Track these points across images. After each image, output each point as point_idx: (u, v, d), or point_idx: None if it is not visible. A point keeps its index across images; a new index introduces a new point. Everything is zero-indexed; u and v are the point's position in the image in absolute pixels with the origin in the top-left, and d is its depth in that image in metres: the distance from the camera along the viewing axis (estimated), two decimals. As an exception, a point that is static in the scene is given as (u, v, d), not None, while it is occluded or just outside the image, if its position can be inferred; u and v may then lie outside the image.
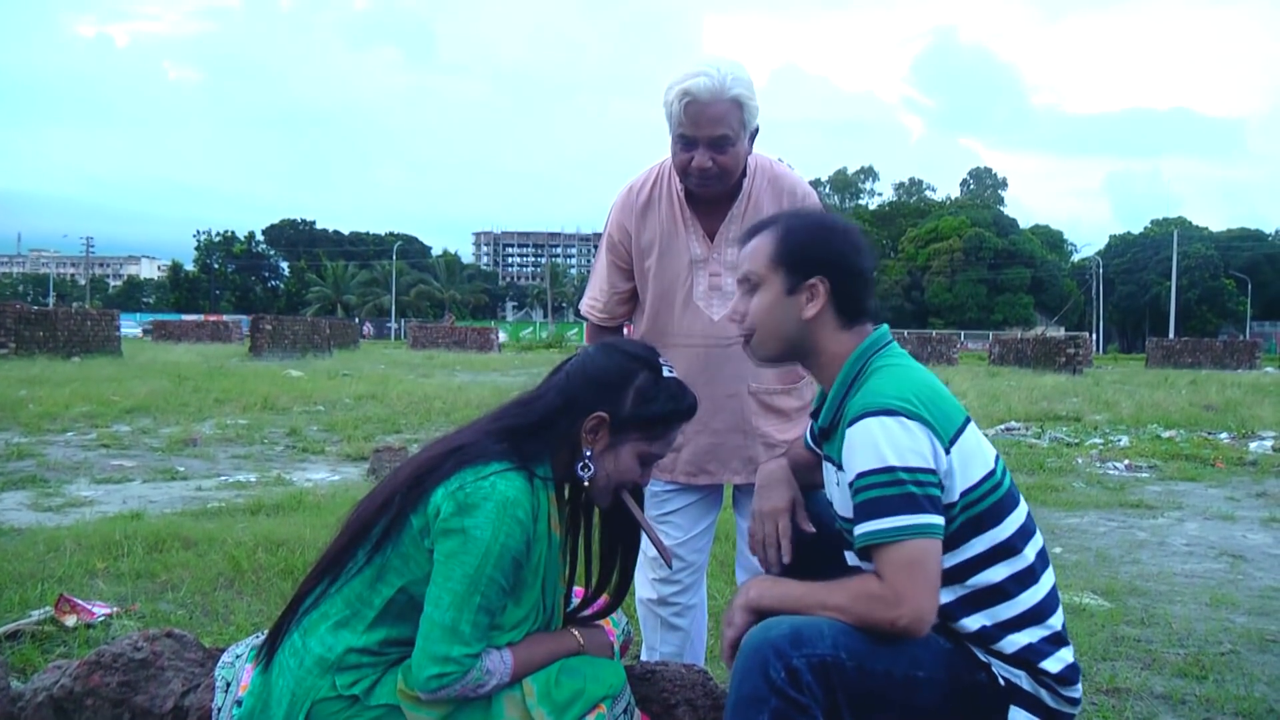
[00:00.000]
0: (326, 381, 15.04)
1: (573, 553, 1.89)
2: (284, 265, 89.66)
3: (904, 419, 1.59)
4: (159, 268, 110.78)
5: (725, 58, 2.20)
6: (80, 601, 3.23)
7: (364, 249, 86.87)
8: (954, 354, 30.04)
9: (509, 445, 1.70)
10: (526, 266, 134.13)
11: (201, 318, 50.13)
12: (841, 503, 1.72)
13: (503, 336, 43.77)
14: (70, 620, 3.10)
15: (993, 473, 1.68)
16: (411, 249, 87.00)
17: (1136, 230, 77.25)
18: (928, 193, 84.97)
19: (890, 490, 1.57)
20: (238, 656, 1.82)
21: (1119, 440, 9.52)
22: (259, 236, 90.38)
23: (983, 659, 1.65)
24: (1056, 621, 1.68)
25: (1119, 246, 73.44)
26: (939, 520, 1.58)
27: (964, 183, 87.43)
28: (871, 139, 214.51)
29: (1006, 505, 1.68)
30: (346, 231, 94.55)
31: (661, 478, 2.42)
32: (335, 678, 1.64)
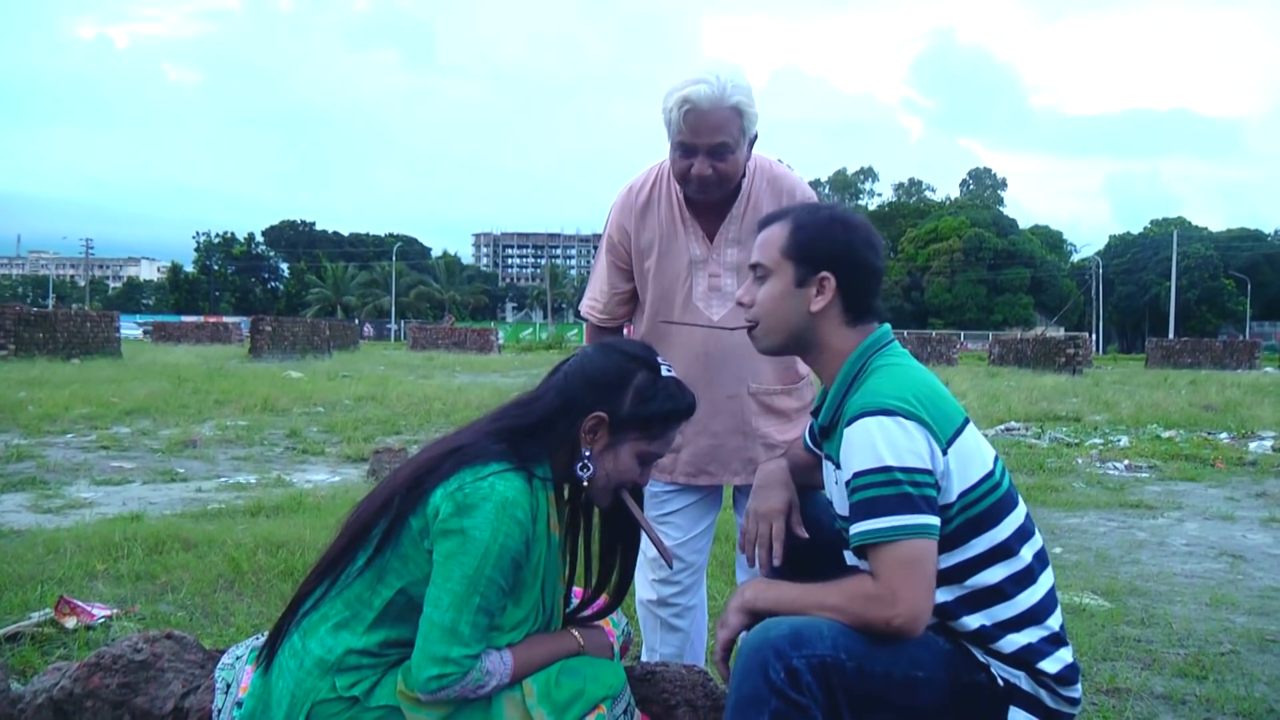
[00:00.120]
0: (326, 383, 15.03)
1: (572, 553, 1.89)
2: (284, 266, 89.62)
3: (901, 419, 1.60)
4: (158, 269, 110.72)
5: (725, 63, 2.20)
6: (80, 603, 3.22)
7: (364, 250, 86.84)
8: (954, 354, 30.07)
9: (508, 446, 1.70)
10: (526, 267, 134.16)
11: (201, 319, 50.09)
12: (840, 501, 1.72)
13: (502, 337, 43.75)
14: (70, 622, 3.10)
15: (991, 474, 1.68)
16: (411, 250, 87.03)
17: (1136, 230, 77.31)
18: (927, 193, 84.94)
19: (886, 490, 1.57)
20: (238, 658, 1.82)
21: (1119, 440, 9.52)
22: (259, 238, 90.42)
23: (982, 659, 1.65)
24: (1055, 622, 1.69)
25: (1118, 247, 73.43)
26: (935, 521, 1.58)
27: (963, 183, 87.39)
28: (871, 140, 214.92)
29: (1005, 506, 1.69)
30: (346, 233, 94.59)
31: (661, 478, 2.42)
32: (335, 679, 1.64)
